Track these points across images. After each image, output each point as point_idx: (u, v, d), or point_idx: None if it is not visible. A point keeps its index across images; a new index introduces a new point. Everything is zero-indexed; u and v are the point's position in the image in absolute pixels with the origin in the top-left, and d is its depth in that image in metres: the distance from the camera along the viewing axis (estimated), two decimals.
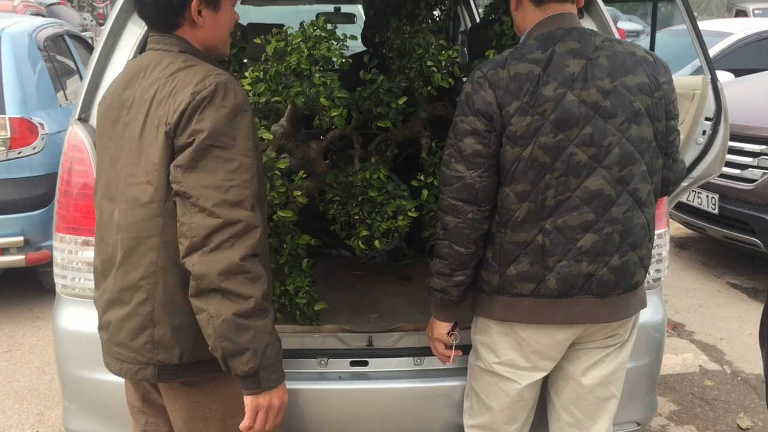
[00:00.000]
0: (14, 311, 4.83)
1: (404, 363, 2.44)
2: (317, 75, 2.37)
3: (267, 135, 2.31)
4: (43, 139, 4.65)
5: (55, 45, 5.61)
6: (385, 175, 2.59)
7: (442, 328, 2.16)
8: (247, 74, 2.41)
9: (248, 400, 1.76)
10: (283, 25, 4.03)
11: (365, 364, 2.43)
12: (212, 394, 1.87)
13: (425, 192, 2.62)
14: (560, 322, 2.00)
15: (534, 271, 1.96)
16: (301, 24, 2.48)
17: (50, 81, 5.12)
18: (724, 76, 7.02)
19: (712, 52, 7.65)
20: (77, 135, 2.37)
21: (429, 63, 2.55)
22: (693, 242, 6.38)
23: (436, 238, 2.05)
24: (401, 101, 2.57)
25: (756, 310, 5.02)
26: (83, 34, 7.46)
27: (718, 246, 6.05)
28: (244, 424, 1.77)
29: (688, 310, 4.98)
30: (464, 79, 2.27)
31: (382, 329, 2.55)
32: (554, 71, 1.87)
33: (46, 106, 4.92)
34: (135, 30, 2.42)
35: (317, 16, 5.41)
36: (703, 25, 9.90)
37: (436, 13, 2.93)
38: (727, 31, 8.01)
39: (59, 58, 5.63)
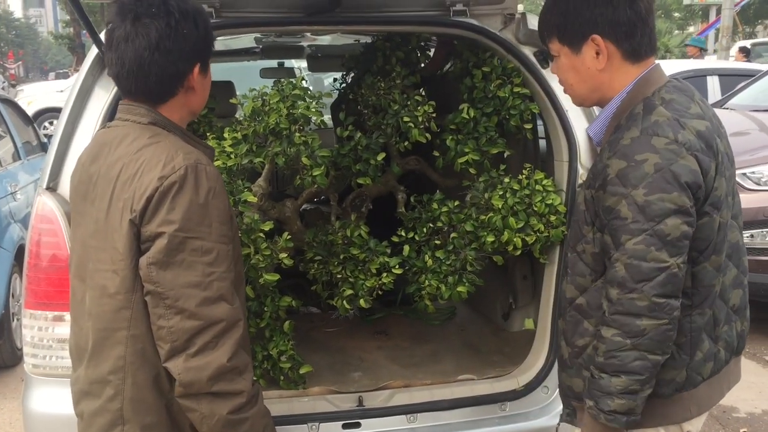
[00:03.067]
0: None
1: (397, 422, 2.39)
2: (297, 134, 2.34)
3: (252, 198, 2.26)
4: None
5: None
6: (366, 232, 2.57)
7: None
8: (226, 135, 2.36)
9: None
10: (230, 82, 4.03)
11: (358, 425, 2.36)
12: None
13: (407, 248, 2.60)
14: (724, 394, 1.85)
15: (711, 347, 1.75)
16: (278, 82, 2.45)
17: None
18: None
19: None
20: (46, 205, 2.25)
21: (406, 119, 2.56)
22: None
23: (614, 348, 1.64)
24: (380, 157, 2.57)
25: None
26: None
27: None
28: None
29: None
30: None
31: (370, 388, 2.50)
32: (712, 124, 1.72)
33: None
34: (103, 95, 2.34)
35: (261, 71, 5.46)
36: None
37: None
38: None
39: None
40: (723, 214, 1.69)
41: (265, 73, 5.48)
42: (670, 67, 8.89)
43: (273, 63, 5.51)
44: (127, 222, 1.56)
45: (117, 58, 1.65)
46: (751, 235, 4.81)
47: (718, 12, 22.88)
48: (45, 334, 2.24)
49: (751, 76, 7.63)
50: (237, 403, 1.58)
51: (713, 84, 8.47)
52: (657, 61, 1.80)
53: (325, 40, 4.87)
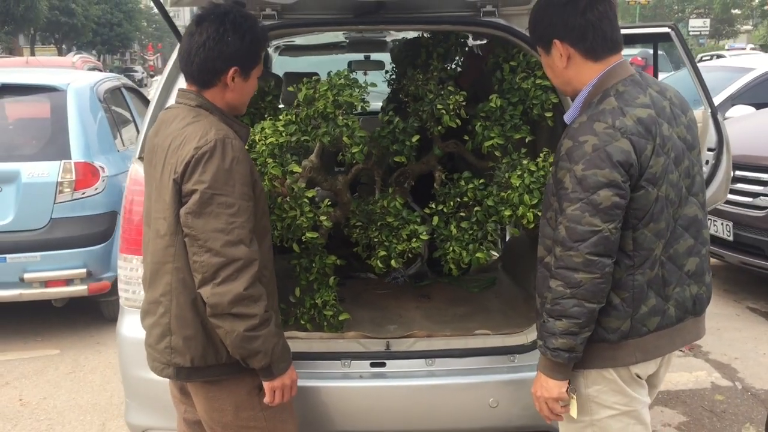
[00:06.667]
0: (78, 337, 5.31)
1: (417, 364, 2.78)
2: (340, 118, 2.78)
3: (297, 168, 2.73)
4: (103, 180, 5.17)
5: (113, 97, 6.19)
6: (401, 203, 2.98)
7: (562, 387, 2.08)
8: (281, 117, 2.84)
9: (266, 385, 2.20)
10: (317, 74, 4.52)
11: (383, 365, 2.77)
12: (226, 390, 2.26)
13: (436, 218, 2.99)
14: (678, 347, 2.15)
15: (659, 303, 2.04)
16: (328, 74, 2.90)
17: (109, 129, 5.67)
18: (745, 110, 7.29)
19: (735, 87, 7.91)
20: (138, 171, 2.80)
21: (439, 106, 2.95)
22: (714, 269, 6.55)
23: (557, 296, 1.98)
24: (414, 139, 2.97)
25: None
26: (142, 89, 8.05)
27: (738, 273, 6.25)
28: (266, 400, 2.21)
29: (707, 333, 5.17)
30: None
31: (398, 336, 2.91)
32: (660, 112, 2.01)
33: (106, 151, 5.45)
34: (184, 84, 2.86)
35: (349, 63, 5.94)
36: (727, 61, 10.16)
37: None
38: (749, 66, 8.26)
39: (117, 108, 6.21)
40: (662, 189, 1.98)
41: (354, 65, 5.95)
42: (758, 62, 8.56)
43: (360, 56, 5.98)
44: (172, 181, 2.07)
45: (180, 46, 2.22)
46: None
47: None
48: (134, 274, 2.79)
49: None
50: (251, 324, 2.06)
51: None
52: (624, 58, 2.12)
53: (409, 35, 5.27)
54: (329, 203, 2.85)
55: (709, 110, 3.87)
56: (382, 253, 2.93)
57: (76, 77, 5.91)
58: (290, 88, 2.92)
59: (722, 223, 5.61)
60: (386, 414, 2.72)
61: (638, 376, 2.13)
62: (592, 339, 2.02)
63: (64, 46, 44.05)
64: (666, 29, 3.99)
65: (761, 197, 5.37)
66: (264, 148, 2.71)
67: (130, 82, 7.12)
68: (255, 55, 2.22)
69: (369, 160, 3.05)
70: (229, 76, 2.17)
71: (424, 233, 2.92)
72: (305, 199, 2.76)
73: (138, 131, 6.36)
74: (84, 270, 5.03)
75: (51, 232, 5.02)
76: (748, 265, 5.60)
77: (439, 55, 3.17)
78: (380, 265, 2.94)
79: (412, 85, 3.06)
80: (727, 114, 7.07)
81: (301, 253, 2.94)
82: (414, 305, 3.38)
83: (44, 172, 5.02)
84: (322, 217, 2.80)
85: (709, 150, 3.96)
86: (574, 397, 2.11)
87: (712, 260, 6.41)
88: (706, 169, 3.95)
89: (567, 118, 2.17)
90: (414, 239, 2.92)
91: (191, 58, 2.16)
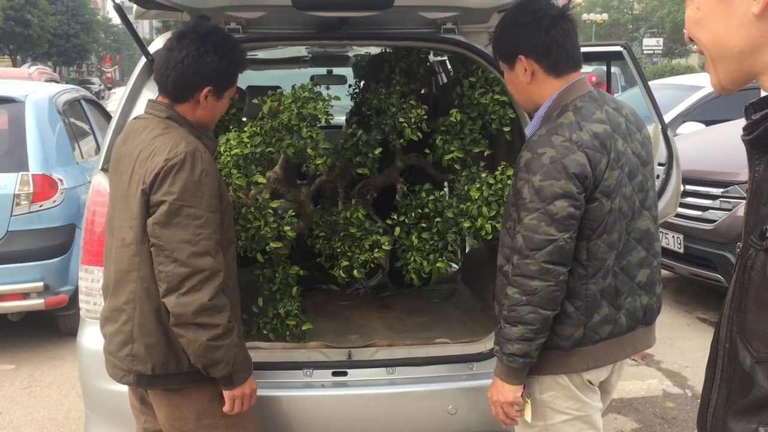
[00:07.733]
0: (33, 352, 5.23)
1: (378, 373, 2.82)
2: (305, 130, 2.83)
3: (262, 179, 2.76)
4: (62, 193, 5.12)
5: (72, 109, 6.14)
6: (363, 214, 3.03)
7: (517, 391, 2.14)
8: (246, 129, 2.87)
9: (226, 394, 2.23)
10: (279, 87, 4.56)
11: (345, 374, 2.81)
12: (188, 398, 2.28)
13: (398, 229, 3.05)
14: (628, 355, 2.21)
15: (611, 312, 2.10)
16: (293, 87, 2.95)
17: (68, 141, 5.62)
18: (694, 127, 7.53)
19: (685, 104, 8.17)
20: (101, 183, 2.81)
21: (401, 120, 3.02)
22: (666, 281, 6.77)
23: (513, 303, 2.04)
24: (377, 151, 3.03)
25: None
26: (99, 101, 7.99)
27: (688, 284, 6.45)
28: (226, 409, 2.24)
29: (658, 343, 5.27)
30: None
31: (360, 345, 2.95)
32: (616, 128, 2.08)
33: (65, 163, 5.40)
34: (149, 95, 2.88)
35: (311, 78, 5.99)
36: (676, 79, 10.47)
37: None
38: (698, 84, 8.54)
39: (76, 120, 6.15)
40: (615, 202, 2.05)
41: (317, 79, 5.99)
42: (707, 79, 8.86)
43: (323, 70, 6.03)
44: (140, 191, 2.09)
45: (157, 58, 2.24)
46: None
47: None
48: (95, 285, 2.79)
49: None
50: (214, 333, 2.09)
51: None
52: (583, 76, 2.21)
53: (372, 50, 5.35)
54: (293, 214, 2.89)
55: (660, 126, 4.02)
56: (345, 263, 2.98)
57: (35, 88, 5.85)
58: (255, 101, 2.96)
59: (673, 236, 5.79)
60: (348, 422, 2.75)
61: (590, 383, 2.20)
62: (546, 346, 2.08)
63: (18, 57, 43.26)
64: (618, 48, 4.14)
65: (710, 210, 5.55)
66: (229, 159, 2.75)
67: (89, 94, 7.07)
68: (231, 77, 2.26)
69: (332, 172, 3.11)
70: (203, 95, 2.20)
71: (386, 243, 2.98)
72: (269, 210, 2.80)
73: (97, 143, 6.33)
74: (41, 283, 4.97)
75: (7, 245, 4.95)
76: (698, 277, 5.78)
77: (401, 70, 3.24)
78: (343, 274, 2.99)
79: (375, 98, 3.13)
80: (678, 130, 7.30)
81: (265, 263, 2.97)
82: (375, 315, 3.43)
83: (1, 184, 4.95)
84: (286, 227, 2.84)
85: (660, 165, 4.10)
86: (529, 401, 2.17)
87: (664, 272, 6.62)
88: (657, 183, 4.09)
89: (528, 131, 2.25)
90: (376, 249, 2.97)
91: (167, 72, 2.18)
